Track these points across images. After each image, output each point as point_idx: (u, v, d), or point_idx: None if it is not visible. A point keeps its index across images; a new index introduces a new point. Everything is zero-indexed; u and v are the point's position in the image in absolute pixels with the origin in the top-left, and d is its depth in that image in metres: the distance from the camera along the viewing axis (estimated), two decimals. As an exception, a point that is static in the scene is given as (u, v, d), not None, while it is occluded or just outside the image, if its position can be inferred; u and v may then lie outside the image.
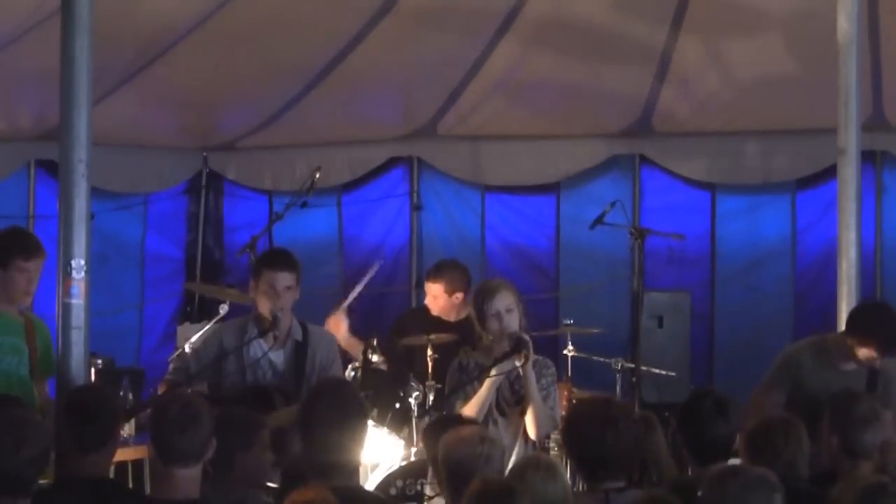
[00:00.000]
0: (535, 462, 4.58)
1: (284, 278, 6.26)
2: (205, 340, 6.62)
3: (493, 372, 5.82)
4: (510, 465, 5.39)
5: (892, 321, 6.20)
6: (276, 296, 6.22)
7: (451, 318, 7.85)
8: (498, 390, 5.94)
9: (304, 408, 4.73)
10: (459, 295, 7.84)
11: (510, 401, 5.94)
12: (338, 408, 4.61)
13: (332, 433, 4.56)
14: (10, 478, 4.13)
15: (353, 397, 4.77)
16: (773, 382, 6.39)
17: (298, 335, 6.34)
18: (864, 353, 6.11)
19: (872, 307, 6.51)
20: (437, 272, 7.96)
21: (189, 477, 4.46)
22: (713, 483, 4.14)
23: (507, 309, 5.93)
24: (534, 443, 5.91)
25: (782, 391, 6.31)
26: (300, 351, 6.32)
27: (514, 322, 5.93)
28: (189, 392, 5.88)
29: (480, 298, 6.00)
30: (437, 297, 7.87)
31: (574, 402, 7.72)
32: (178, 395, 5.08)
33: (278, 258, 6.41)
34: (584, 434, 4.69)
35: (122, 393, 7.02)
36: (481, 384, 5.88)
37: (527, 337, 5.84)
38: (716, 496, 4.08)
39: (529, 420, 5.83)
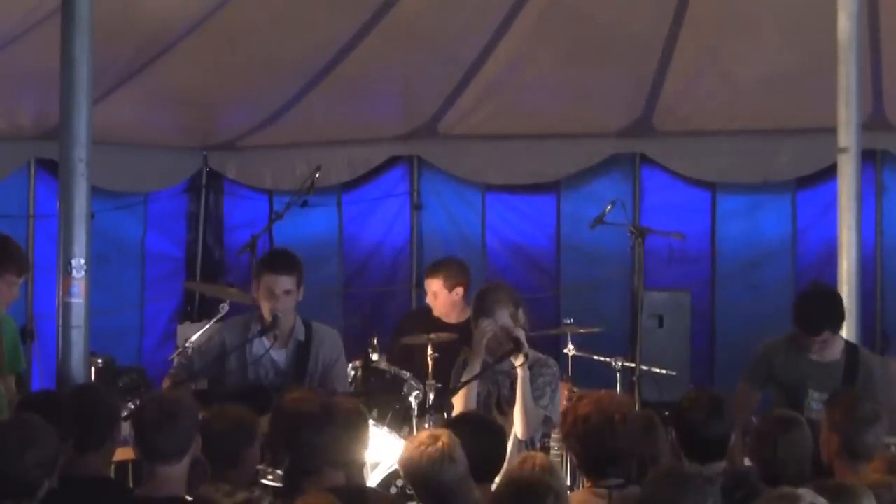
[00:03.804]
0: (531, 461, 4.56)
1: (283, 282, 6.20)
2: (209, 337, 6.60)
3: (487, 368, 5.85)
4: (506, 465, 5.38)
5: (814, 304, 6.24)
6: (276, 299, 6.18)
7: (452, 319, 7.82)
8: (498, 390, 6.01)
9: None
10: (459, 290, 7.82)
11: (510, 400, 5.95)
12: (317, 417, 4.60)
13: (318, 442, 4.55)
14: (14, 482, 4.11)
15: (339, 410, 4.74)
16: (748, 377, 6.46)
17: (301, 335, 6.31)
18: (809, 340, 6.16)
19: (801, 296, 6.47)
20: (434, 268, 7.96)
21: (172, 475, 4.48)
22: (651, 483, 4.13)
23: (503, 326, 5.97)
24: (526, 442, 5.91)
25: (756, 386, 6.39)
26: (302, 351, 6.29)
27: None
28: (169, 390, 5.89)
29: (480, 309, 6.02)
30: (437, 294, 7.84)
31: (577, 398, 7.69)
32: (157, 395, 5.10)
33: (278, 261, 6.34)
34: (594, 430, 4.66)
35: (121, 392, 7.02)
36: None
37: (523, 338, 5.85)
38: (652, 495, 4.07)
39: (517, 419, 5.85)
